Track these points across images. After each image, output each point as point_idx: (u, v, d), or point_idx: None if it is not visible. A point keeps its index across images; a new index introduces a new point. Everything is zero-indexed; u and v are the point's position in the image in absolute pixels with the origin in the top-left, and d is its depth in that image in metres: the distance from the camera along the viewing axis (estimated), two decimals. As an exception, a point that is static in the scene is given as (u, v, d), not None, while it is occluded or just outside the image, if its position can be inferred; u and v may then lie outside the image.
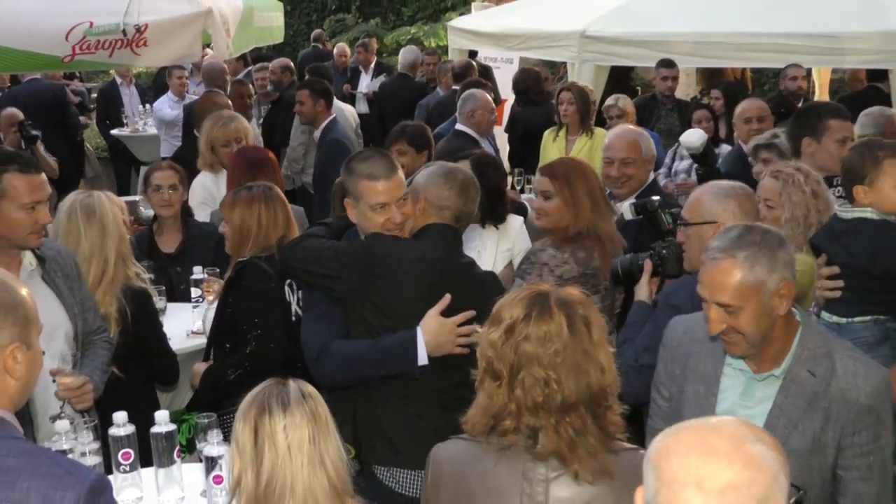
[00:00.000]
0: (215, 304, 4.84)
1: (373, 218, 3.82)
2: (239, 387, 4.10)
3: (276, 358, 4.30)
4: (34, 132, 8.86)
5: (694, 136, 5.96)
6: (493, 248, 5.46)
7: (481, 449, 2.63)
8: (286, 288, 4.49)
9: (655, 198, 4.70)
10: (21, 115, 9.16)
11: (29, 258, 3.98)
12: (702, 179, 5.61)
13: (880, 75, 9.50)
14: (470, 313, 3.64)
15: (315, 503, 2.49)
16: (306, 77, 10.29)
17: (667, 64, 9.48)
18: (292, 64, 11.83)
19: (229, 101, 8.07)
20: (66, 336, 4.04)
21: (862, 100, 9.09)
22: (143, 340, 4.45)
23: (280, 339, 4.38)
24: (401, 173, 3.89)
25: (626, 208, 4.78)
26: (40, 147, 9.00)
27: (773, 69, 12.23)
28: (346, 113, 9.43)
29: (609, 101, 8.36)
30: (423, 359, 3.66)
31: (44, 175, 3.90)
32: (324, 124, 8.04)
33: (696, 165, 6.88)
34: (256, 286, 4.41)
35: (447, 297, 3.68)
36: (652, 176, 5.50)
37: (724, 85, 9.67)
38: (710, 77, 11.22)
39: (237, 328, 4.44)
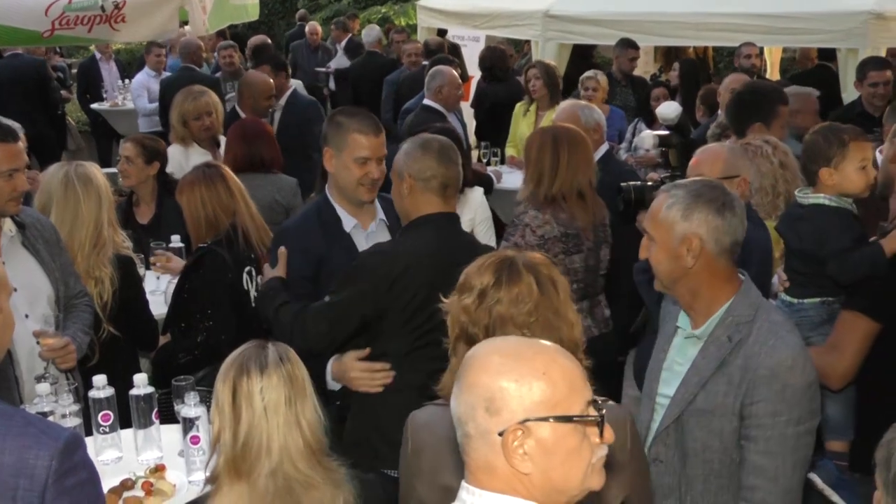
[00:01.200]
0: (169, 277, 4.92)
1: (353, 170, 3.86)
2: (187, 369, 4.12)
3: (226, 350, 4.27)
4: None
5: (669, 109, 6.01)
6: None
7: (445, 414, 2.59)
8: (245, 276, 4.48)
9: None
10: None
11: (9, 225, 3.94)
12: (679, 150, 5.64)
13: (830, 54, 9.54)
14: (365, 352, 3.60)
15: (290, 462, 2.48)
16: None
17: (633, 45, 9.47)
18: (269, 40, 11.77)
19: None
20: (48, 299, 4.01)
21: (811, 78, 9.16)
22: (128, 305, 4.40)
23: (231, 330, 4.32)
24: (384, 135, 3.94)
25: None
26: None
27: (727, 48, 12.28)
28: (298, 88, 9.26)
29: (588, 73, 8.38)
30: (332, 385, 3.66)
31: (20, 144, 3.84)
32: (287, 93, 8.06)
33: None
34: (213, 276, 4.39)
35: (364, 352, 3.61)
36: (605, 146, 5.52)
37: (683, 62, 9.69)
38: (668, 55, 11.21)
39: (191, 314, 4.44)
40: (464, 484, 1.91)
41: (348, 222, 4.00)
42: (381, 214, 4.05)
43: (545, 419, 1.81)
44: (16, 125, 4.38)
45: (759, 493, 2.76)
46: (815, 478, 3.66)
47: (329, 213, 3.98)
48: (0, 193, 3.76)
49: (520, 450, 1.81)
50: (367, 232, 4.04)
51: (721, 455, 2.84)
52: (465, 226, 5.54)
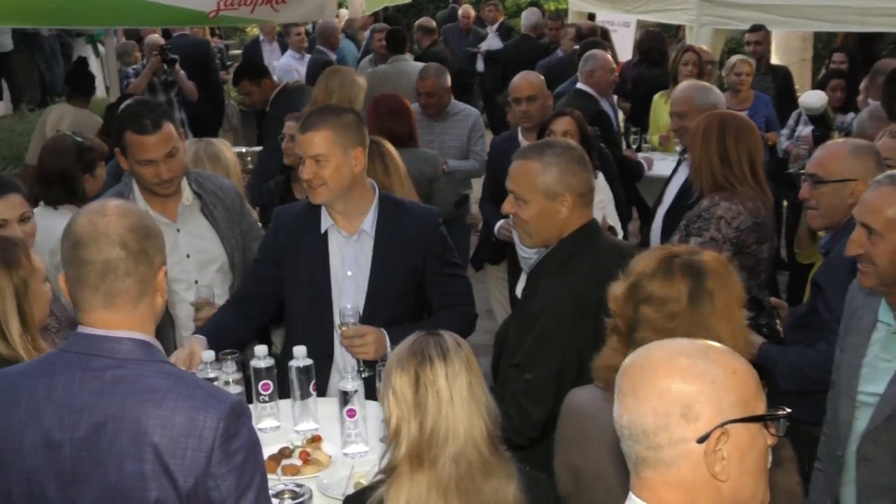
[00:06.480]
0: None
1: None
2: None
3: None
4: (173, 56, 9.08)
5: (814, 98, 5.73)
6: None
7: (603, 398, 2.50)
8: None
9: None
10: (162, 41, 9.51)
11: (187, 194, 4.13)
12: (818, 142, 5.38)
13: None
14: None
15: (475, 446, 2.44)
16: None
17: (752, 29, 9.08)
18: (433, 23, 11.87)
19: None
20: (221, 266, 4.17)
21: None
22: None
23: None
24: (311, 134, 3.67)
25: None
26: (179, 70, 9.17)
27: (893, 34, 11.66)
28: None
29: (738, 57, 8.10)
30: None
31: (164, 133, 3.91)
32: (275, 92, 7.99)
33: (812, 127, 6.61)
34: None
35: None
36: None
37: (845, 49, 9.25)
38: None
39: None
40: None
41: (325, 222, 3.85)
42: (368, 225, 3.83)
43: (742, 420, 1.72)
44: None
45: None
46: None
47: (317, 208, 3.85)
48: (144, 177, 3.97)
49: (721, 455, 1.71)
50: (351, 238, 3.84)
51: None
52: (597, 206, 5.48)
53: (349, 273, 3.83)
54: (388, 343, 3.67)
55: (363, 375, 3.61)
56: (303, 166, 3.72)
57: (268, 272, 3.92)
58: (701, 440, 1.71)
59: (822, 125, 5.97)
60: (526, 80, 6.33)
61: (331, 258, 3.83)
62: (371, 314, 3.76)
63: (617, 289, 2.52)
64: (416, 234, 3.81)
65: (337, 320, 3.75)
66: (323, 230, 3.83)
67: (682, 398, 1.72)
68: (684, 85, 5.71)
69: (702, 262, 2.48)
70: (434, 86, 6.91)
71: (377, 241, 3.81)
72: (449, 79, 7.08)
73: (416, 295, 3.85)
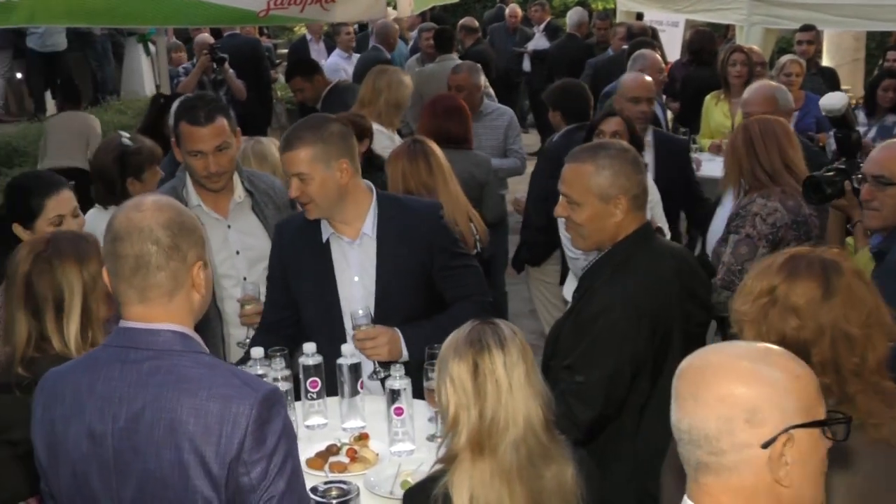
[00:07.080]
0: None
1: None
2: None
3: None
4: (222, 55, 9.14)
5: (835, 99, 5.62)
6: None
7: None
8: None
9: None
10: (212, 40, 9.62)
11: (239, 191, 4.17)
12: (840, 143, 5.28)
13: None
14: None
15: (533, 433, 2.47)
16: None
17: (802, 28, 8.95)
18: (476, 23, 11.87)
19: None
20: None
21: None
22: None
23: None
24: (291, 154, 3.60)
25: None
26: (228, 69, 9.21)
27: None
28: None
29: (790, 57, 7.96)
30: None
31: (216, 127, 3.96)
32: (326, 90, 7.98)
33: (834, 129, 6.49)
34: None
35: None
36: None
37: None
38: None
39: None
40: None
41: (326, 231, 3.78)
42: (368, 227, 3.76)
43: (807, 425, 1.70)
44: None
45: None
46: None
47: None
48: (194, 169, 4.03)
49: (785, 461, 1.70)
50: (353, 243, 3.77)
51: None
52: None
53: (356, 278, 3.78)
54: (403, 342, 3.65)
55: (379, 377, 3.64)
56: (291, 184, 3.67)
57: (281, 296, 3.88)
58: (766, 445, 1.70)
59: (844, 126, 5.87)
60: (646, 82, 6.26)
61: (335, 265, 3.77)
62: (382, 316, 3.71)
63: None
64: (419, 230, 3.75)
65: (349, 325, 3.72)
66: (324, 239, 3.78)
67: (746, 403, 1.71)
68: (762, 85, 5.62)
69: (836, 255, 2.42)
70: (465, 80, 6.87)
71: (380, 243, 3.75)
72: (482, 78, 7.06)
73: (426, 291, 3.79)
